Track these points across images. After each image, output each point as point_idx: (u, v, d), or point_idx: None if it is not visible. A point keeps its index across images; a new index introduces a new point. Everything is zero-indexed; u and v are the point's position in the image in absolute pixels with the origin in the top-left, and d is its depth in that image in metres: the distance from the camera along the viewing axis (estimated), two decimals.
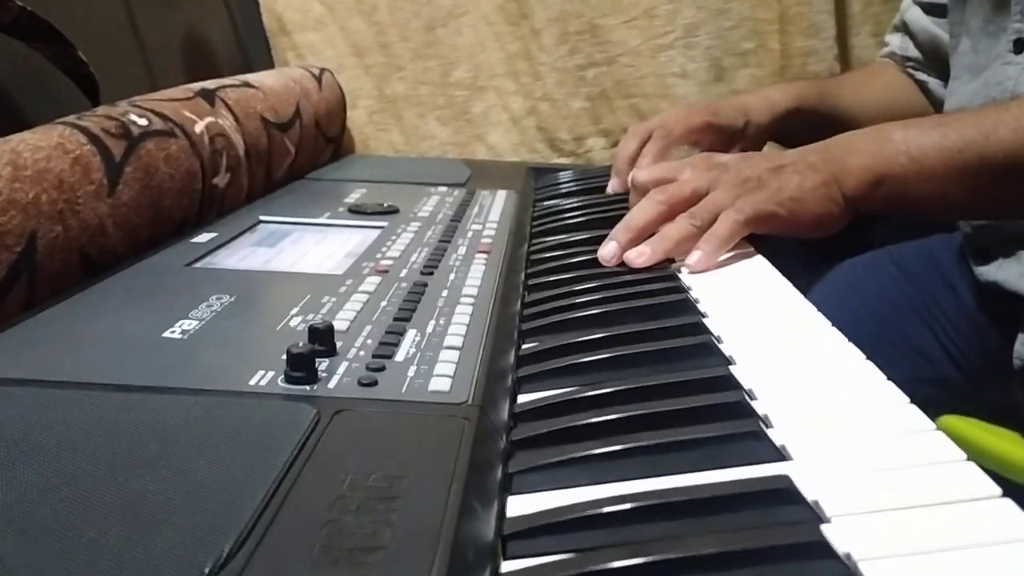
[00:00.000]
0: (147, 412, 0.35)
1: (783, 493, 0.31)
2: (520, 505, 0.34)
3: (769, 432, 0.36)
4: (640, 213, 0.65)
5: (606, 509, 0.31)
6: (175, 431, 0.34)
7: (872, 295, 0.92)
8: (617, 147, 0.90)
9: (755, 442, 0.35)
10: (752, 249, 0.64)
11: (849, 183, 0.64)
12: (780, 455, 0.34)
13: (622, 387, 0.41)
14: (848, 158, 0.65)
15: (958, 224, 0.85)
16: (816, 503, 0.31)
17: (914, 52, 0.95)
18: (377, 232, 0.70)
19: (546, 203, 0.88)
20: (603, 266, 0.63)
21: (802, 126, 0.89)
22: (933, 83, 0.94)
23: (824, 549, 0.28)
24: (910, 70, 0.96)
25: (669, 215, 0.65)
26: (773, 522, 0.30)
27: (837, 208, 0.65)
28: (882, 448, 0.34)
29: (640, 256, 0.62)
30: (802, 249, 1.13)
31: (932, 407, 0.91)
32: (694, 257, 0.61)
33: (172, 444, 0.33)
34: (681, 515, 0.31)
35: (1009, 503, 0.29)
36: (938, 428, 0.85)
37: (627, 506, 0.31)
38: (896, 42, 0.97)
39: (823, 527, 0.29)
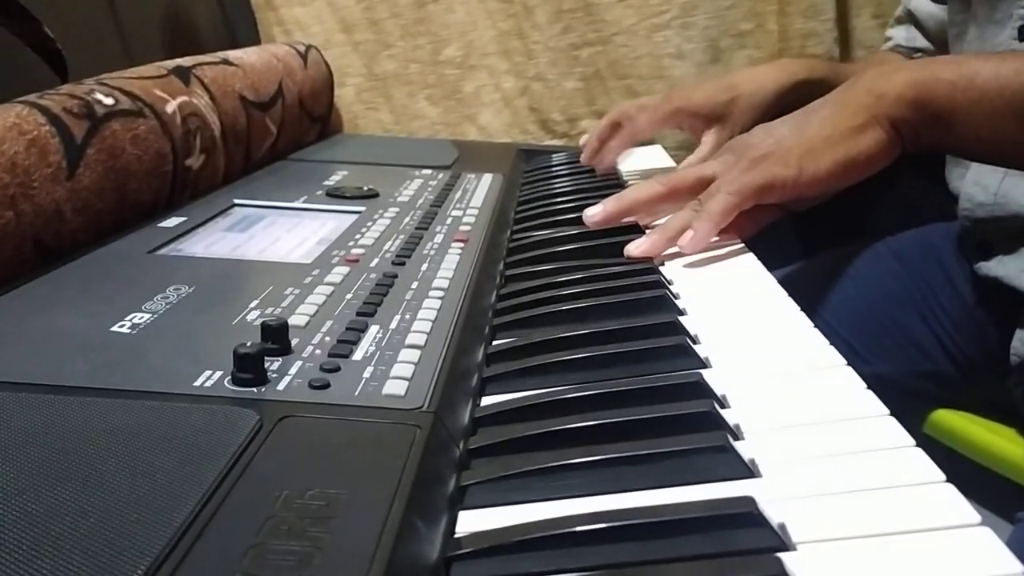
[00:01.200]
0: (77, 417, 0.33)
1: (747, 516, 0.28)
2: (472, 521, 0.32)
3: (738, 445, 0.33)
4: (636, 189, 0.64)
5: (559, 530, 0.29)
6: (103, 438, 0.32)
7: (869, 285, 0.90)
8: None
9: (722, 457, 0.33)
10: (739, 241, 0.61)
11: (886, 102, 0.58)
12: (748, 471, 0.32)
13: (589, 392, 0.39)
14: (887, 77, 0.59)
15: (958, 214, 0.82)
16: (783, 527, 0.29)
17: (922, 43, 0.92)
18: (353, 217, 0.68)
19: (533, 188, 0.86)
20: (586, 257, 0.60)
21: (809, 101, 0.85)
22: None
23: None
24: None
25: (667, 198, 0.63)
26: (736, 547, 0.28)
27: (874, 142, 0.58)
28: (858, 466, 0.32)
29: (638, 247, 0.60)
30: (798, 235, 1.11)
31: (925, 400, 0.89)
32: (686, 237, 0.58)
33: (98, 454, 0.31)
34: (640, 537, 0.29)
35: (989, 533, 0.27)
36: (931, 422, 0.83)
37: (583, 527, 0.29)
38: (901, 34, 0.94)
39: (786, 557, 0.27)
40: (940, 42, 0.89)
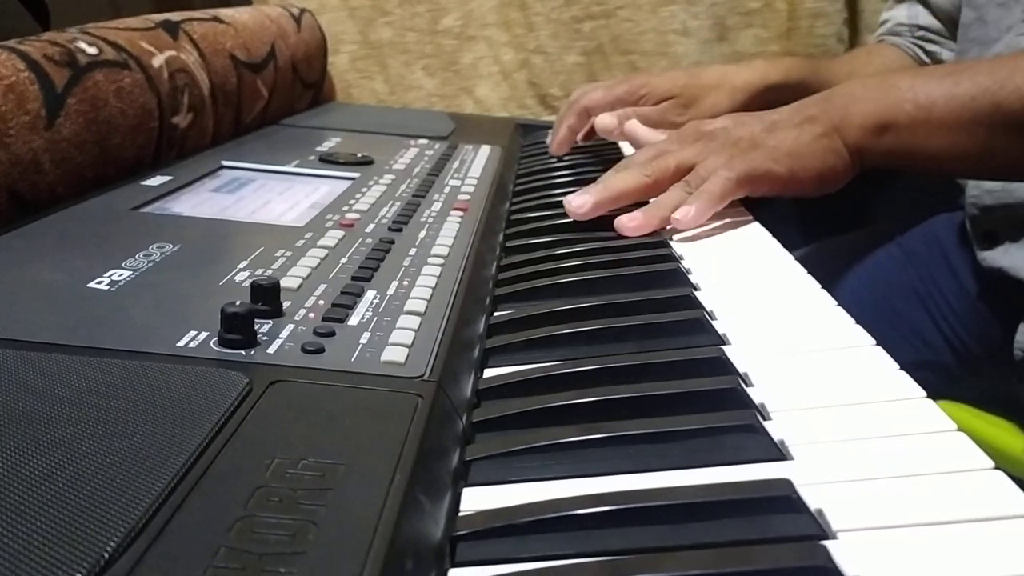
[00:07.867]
0: (46, 374, 0.30)
1: (783, 501, 0.26)
2: (477, 499, 0.29)
3: (766, 425, 0.31)
4: (623, 179, 0.60)
5: (577, 511, 0.27)
6: (76, 398, 0.29)
7: (870, 273, 0.88)
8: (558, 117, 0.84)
9: (751, 436, 0.30)
10: (751, 218, 0.59)
11: (852, 132, 0.59)
12: (779, 453, 0.30)
13: (602, 365, 0.36)
14: (850, 106, 0.60)
15: (963, 203, 0.80)
16: (820, 513, 0.26)
17: (926, 20, 0.89)
18: (347, 183, 0.65)
19: (532, 161, 0.83)
20: (591, 229, 0.58)
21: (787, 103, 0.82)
22: (947, 55, 0.88)
23: (831, 574, 0.23)
24: (919, 43, 0.90)
25: (653, 188, 0.59)
26: (768, 534, 0.26)
27: (840, 161, 0.59)
28: (897, 450, 0.30)
29: (632, 221, 0.57)
30: (800, 222, 1.09)
31: (926, 392, 0.88)
32: (681, 211, 0.56)
33: (69, 414, 0.28)
34: (662, 521, 0.26)
35: None
36: None
37: (601, 508, 0.27)
38: (901, 13, 0.91)
39: (830, 545, 0.24)
40: (948, 21, 0.86)
